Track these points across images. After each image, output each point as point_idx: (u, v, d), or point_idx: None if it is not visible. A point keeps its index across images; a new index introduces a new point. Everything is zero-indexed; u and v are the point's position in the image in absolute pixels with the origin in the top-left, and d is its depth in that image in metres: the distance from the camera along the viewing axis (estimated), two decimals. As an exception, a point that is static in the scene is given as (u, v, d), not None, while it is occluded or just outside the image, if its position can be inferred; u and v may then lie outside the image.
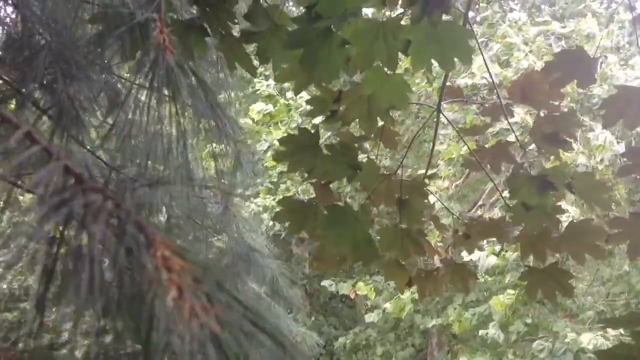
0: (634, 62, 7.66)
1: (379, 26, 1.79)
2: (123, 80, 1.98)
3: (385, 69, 1.93)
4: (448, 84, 2.63)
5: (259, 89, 9.34)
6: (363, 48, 1.82)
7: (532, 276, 2.28)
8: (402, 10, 1.83)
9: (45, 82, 1.65)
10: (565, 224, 2.25)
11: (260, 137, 9.10)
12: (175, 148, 1.18)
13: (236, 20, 1.90)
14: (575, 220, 2.36)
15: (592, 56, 2.07)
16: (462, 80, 7.41)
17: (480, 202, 8.97)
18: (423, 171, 7.92)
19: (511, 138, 2.81)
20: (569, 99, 6.97)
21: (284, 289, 3.59)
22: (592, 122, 6.89)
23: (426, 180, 2.37)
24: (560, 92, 2.16)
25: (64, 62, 1.64)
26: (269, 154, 8.74)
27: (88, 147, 1.67)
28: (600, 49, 7.41)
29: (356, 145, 2.23)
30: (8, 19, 1.82)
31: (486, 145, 2.39)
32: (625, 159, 2.24)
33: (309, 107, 2.23)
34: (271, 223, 9.10)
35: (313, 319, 11.01)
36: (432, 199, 2.53)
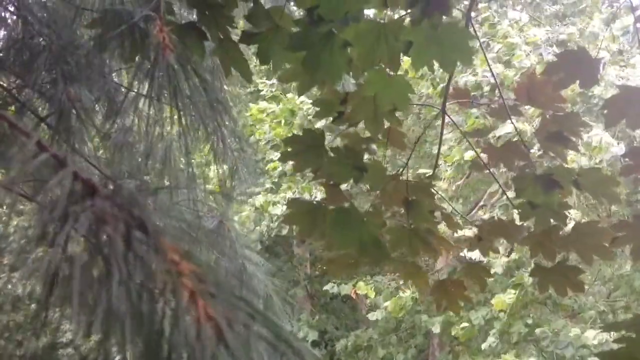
0: (635, 62, 7.66)
1: (381, 27, 1.79)
2: (123, 81, 1.97)
3: (388, 70, 1.92)
4: (452, 84, 2.63)
5: (262, 90, 9.34)
6: (365, 49, 1.81)
7: (542, 273, 2.29)
8: (403, 11, 1.82)
9: (45, 85, 1.65)
10: (569, 226, 2.25)
11: (262, 129, 9.09)
12: (176, 153, 1.17)
13: (234, 24, 1.89)
14: (581, 222, 2.35)
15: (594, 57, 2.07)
16: (463, 79, 7.41)
17: (481, 203, 8.97)
18: (423, 171, 7.90)
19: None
20: (569, 104, 6.97)
21: (278, 307, 3.57)
22: (593, 122, 6.88)
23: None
24: (562, 93, 2.15)
25: (64, 63, 1.63)
26: (268, 148, 8.75)
27: (86, 157, 1.66)
28: (604, 50, 7.40)
29: (363, 146, 2.23)
30: (9, 21, 1.82)
31: (492, 143, 2.38)
32: (626, 159, 2.23)
33: (313, 110, 2.23)
34: (272, 223, 9.10)
35: (316, 318, 11.00)
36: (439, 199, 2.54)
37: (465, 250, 2.51)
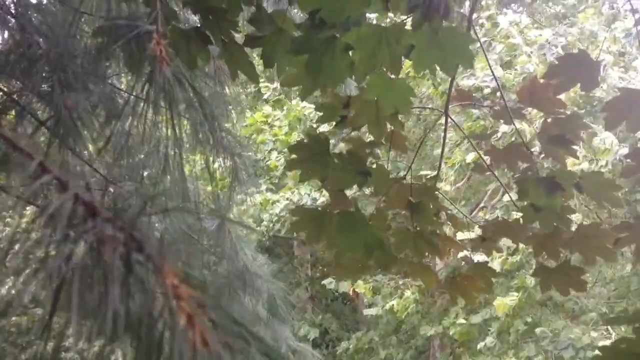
0: (637, 64, 7.66)
1: (382, 31, 1.80)
2: (121, 92, 1.97)
3: (389, 74, 1.92)
4: (454, 86, 2.63)
5: (264, 93, 9.33)
6: (366, 53, 1.82)
7: (545, 273, 2.30)
8: (404, 15, 1.83)
9: (43, 92, 1.65)
10: (573, 228, 2.26)
11: (264, 136, 9.07)
12: (172, 162, 1.17)
13: (238, 28, 1.90)
14: (584, 223, 2.36)
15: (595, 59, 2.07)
16: (464, 82, 7.40)
17: (481, 204, 8.97)
18: (424, 173, 7.89)
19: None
20: (570, 103, 6.97)
21: (281, 308, 3.57)
22: (594, 124, 6.88)
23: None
24: (563, 96, 2.16)
25: (62, 72, 1.63)
26: (273, 154, 8.73)
27: (85, 160, 1.66)
28: (605, 52, 7.40)
29: (367, 151, 2.23)
30: (7, 30, 1.81)
31: (494, 145, 2.39)
32: (628, 160, 2.24)
33: (316, 115, 2.24)
34: (272, 223, 9.10)
35: (318, 318, 11.01)
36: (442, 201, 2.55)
37: (469, 251, 2.51)
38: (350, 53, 1.86)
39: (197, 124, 1.20)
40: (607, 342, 6.48)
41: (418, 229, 2.25)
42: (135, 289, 0.67)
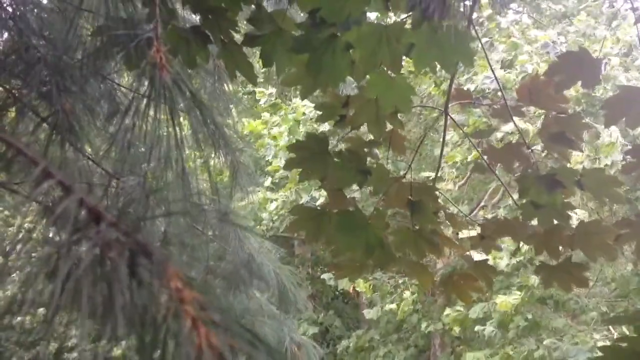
0: (639, 64, 7.65)
1: (382, 30, 1.80)
2: (120, 94, 1.98)
3: (390, 73, 1.92)
4: (455, 85, 2.63)
5: (259, 99, 9.30)
6: (367, 52, 1.82)
7: (547, 270, 2.30)
8: (405, 14, 1.83)
9: (43, 92, 1.65)
10: (575, 225, 2.26)
11: (264, 142, 9.05)
12: (173, 159, 1.18)
13: (238, 28, 1.90)
14: (585, 220, 2.36)
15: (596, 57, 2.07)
16: (466, 85, 7.39)
17: (482, 204, 8.97)
18: (425, 174, 7.86)
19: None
20: (572, 102, 6.96)
21: (290, 292, 3.57)
22: (597, 124, 6.88)
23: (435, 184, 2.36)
24: (565, 94, 2.16)
25: (59, 76, 1.63)
26: (276, 159, 8.71)
27: (88, 155, 1.67)
28: (612, 55, 7.40)
29: (366, 150, 2.23)
30: (5, 32, 1.82)
31: (493, 144, 2.39)
32: (629, 157, 2.24)
33: (315, 115, 2.24)
34: (271, 222, 9.09)
35: (320, 316, 11.01)
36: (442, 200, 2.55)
37: (470, 251, 2.52)
38: (351, 52, 1.87)
39: (197, 129, 1.20)
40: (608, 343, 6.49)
41: (418, 228, 2.25)
42: (139, 293, 0.68)
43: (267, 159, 9.12)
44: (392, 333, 9.98)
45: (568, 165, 2.30)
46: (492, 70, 3.66)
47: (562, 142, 2.22)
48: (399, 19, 1.86)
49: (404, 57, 1.89)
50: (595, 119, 7.12)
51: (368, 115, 2.12)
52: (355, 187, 2.23)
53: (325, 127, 6.54)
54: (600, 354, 1.62)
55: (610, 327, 7.52)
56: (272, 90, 9.24)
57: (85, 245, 0.71)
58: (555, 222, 2.23)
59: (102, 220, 0.75)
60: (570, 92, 7.11)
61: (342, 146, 2.25)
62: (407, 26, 1.81)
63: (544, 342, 7.41)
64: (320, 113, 2.23)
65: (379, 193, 2.27)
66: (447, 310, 8.19)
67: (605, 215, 7.65)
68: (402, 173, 2.37)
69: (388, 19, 2.28)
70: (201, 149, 1.27)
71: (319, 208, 2.32)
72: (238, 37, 1.95)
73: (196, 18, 1.95)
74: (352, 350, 10.16)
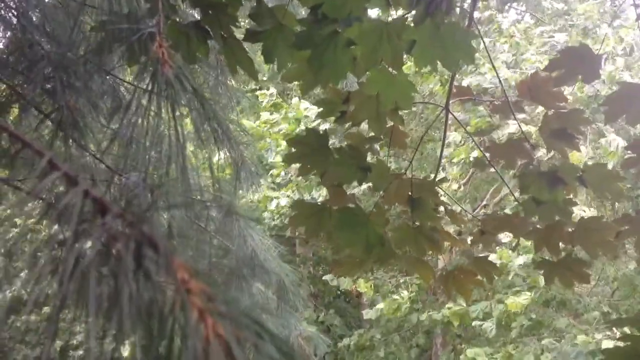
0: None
1: (384, 27, 1.80)
2: (123, 90, 1.98)
3: (390, 69, 1.93)
4: (456, 83, 2.63)
5: (262, 101, 9.29)
6: (368, 48, 1.82)
7: (548, 266, 2.30)
8: (406, 11, 1.83)
9: (46, 89, 1.65)
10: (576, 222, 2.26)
11: (266, 142, 9.04)
12: (175, 155, 1.18)
13: (238, 23, 1.90)
14: (586, 217, 2.36)
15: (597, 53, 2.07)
16: (467, 81, 7.37)
17: (484, 202, 8.96)
18: (427, 175, 7.83)
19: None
20: (571, 99, 6.94)
21: (290, 290, 3.58)
22: (599, 123, 6.86)
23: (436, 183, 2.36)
24: (565, 90, 2.16)
25: (63, 72, 1.63)
26: (278, 159, 8.69)
27: (90, 151, 1.67)
28: (618, 56, 7.39)
29: (367, 146, 2.23)
30: (9, 29, 1.82)
31: (496, 141, 2.39)
32: (629, 152, 2.24)
33: (315, 114, 2.24)
34: (272, 221, 9.08)
35: (321, 316, 11.01)
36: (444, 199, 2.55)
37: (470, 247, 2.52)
38: (352, 48, 1.87)
39: (199, 124, 1.21)
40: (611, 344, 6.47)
41: (418, 225, 2.25)
42: (146, 285, 0.68)
43: (269, 161, 9.11)
44: (393, 332, 9.97)
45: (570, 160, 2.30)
46: (494, 67, 3.65)
47: (563, 139, 2.22)
48: (400, 16, 1.86)
49: (405, 55, 1.90)
50: (595, 115, 7.11)
51: (369, 112, 2.12)
52: (355, 183, 2.23)
53: (326, 126, 6.53)
54: (602, 357, 1.62)
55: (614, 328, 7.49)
56: (273, 90, 9.22)
57: (90, 236, 0.71)
58: (557, 218, 2.24)
59: (107, 212, 0.76)
60: (576, 94, 7.11)
61: (342, 142, 2.25)
62: (409, 23, 1.81)
63: (542, 342, 7.40)
64: (320, 109, 2.24)
65: (379, 190, 2.27)
66: (449, 304, 8.19)
67: (608, 214, 7.63)
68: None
69: (389, 16, 2.28)
70: (203, 145, 1.28)
71: (319, 204, 2.33)
72: (239, 33, 1.95)
73: (196, 14, 1.95)
74: (352, 349, 10.15)
